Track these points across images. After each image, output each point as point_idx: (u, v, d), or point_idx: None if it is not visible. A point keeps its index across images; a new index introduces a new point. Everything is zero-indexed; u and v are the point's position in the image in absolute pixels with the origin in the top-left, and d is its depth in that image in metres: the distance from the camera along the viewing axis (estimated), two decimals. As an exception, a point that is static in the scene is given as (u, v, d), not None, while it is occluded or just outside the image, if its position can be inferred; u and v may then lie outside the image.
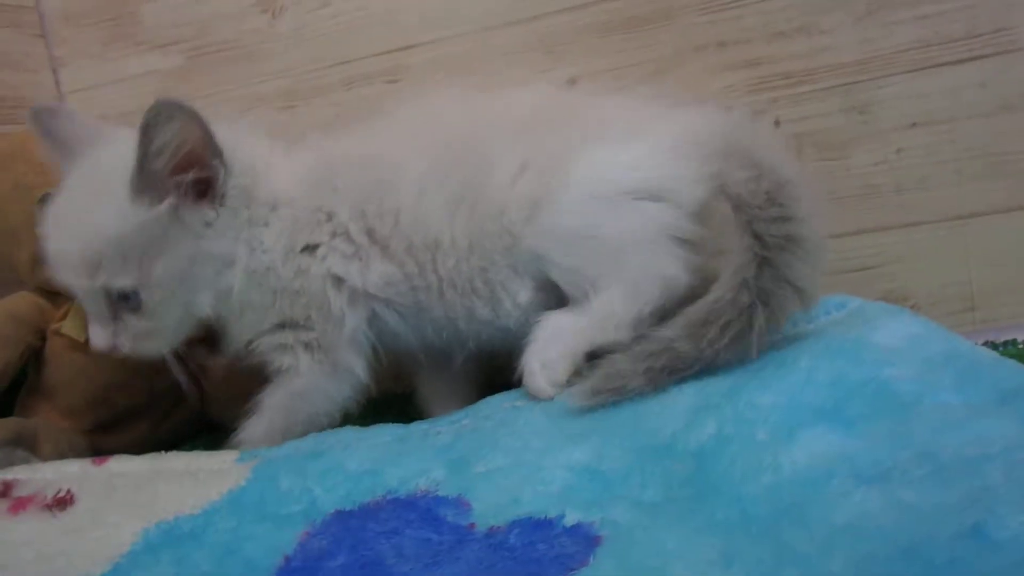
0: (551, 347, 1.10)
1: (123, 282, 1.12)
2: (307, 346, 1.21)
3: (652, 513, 0.83)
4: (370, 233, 1.20)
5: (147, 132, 1.06)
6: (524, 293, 1.18)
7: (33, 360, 1.39)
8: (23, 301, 1.39)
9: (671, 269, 1.11)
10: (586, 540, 0.80)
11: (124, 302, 1.14)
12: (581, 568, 0.75)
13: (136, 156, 1.08)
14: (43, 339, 1.39)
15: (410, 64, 1.57)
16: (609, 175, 1.14)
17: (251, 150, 1.22)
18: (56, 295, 1.39)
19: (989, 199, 1.38)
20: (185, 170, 1.12)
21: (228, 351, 1.26)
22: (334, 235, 1.20)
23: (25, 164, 1.39)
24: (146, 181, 1.10)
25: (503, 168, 1.17)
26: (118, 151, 1.13)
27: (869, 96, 1.39)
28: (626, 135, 1.17)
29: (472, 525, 0.86)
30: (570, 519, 0.84)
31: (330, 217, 1.21)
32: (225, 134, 1.16)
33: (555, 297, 1.17)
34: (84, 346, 1.35)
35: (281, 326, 1.21)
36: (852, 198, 1.43)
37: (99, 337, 1.16)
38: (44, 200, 1.33)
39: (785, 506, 0.76)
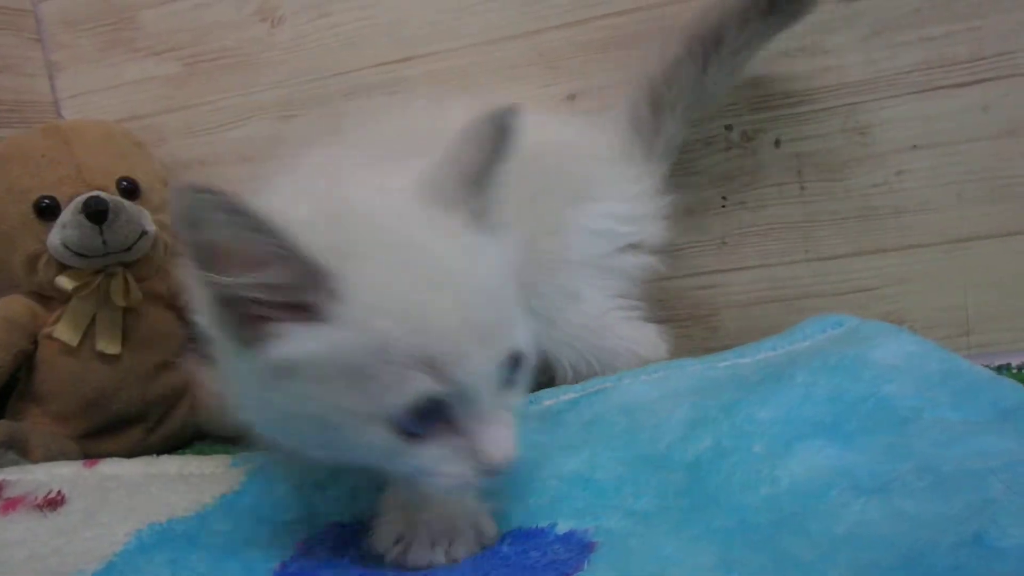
0: None
1: (525, 337, 0.82)
2: None
3: (646, 522, 0.82)
4: None
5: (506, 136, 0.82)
6: None
7: (25, 364, 1.38)
8: (16, 304, 1.38)
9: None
10: (579, 546, 0.80)
11: (512, 373, 0.80)
12: (576, 573, 0.75)
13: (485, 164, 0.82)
14: (35, 343, 1.38)
15: (410, 76, 1.57)
16: (602, 232, 1.27)
17: None
18: (49, 299, 1.39)
19: (989, 223, 1.37)
20: None
21: None
22: None
23: (20, 167, 1.39)
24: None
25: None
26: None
27: (870, 117, 1.39)
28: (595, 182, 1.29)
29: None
30: (562, 528, 0.84)
31: None
32: None
33: None
34: (76, 351, 1.35)
35: None
36: (851, 220, 1.43)
37: (510, 441, 0.77)
38: (38, 205, 1.33)
39: (785, 516, 0.76)
